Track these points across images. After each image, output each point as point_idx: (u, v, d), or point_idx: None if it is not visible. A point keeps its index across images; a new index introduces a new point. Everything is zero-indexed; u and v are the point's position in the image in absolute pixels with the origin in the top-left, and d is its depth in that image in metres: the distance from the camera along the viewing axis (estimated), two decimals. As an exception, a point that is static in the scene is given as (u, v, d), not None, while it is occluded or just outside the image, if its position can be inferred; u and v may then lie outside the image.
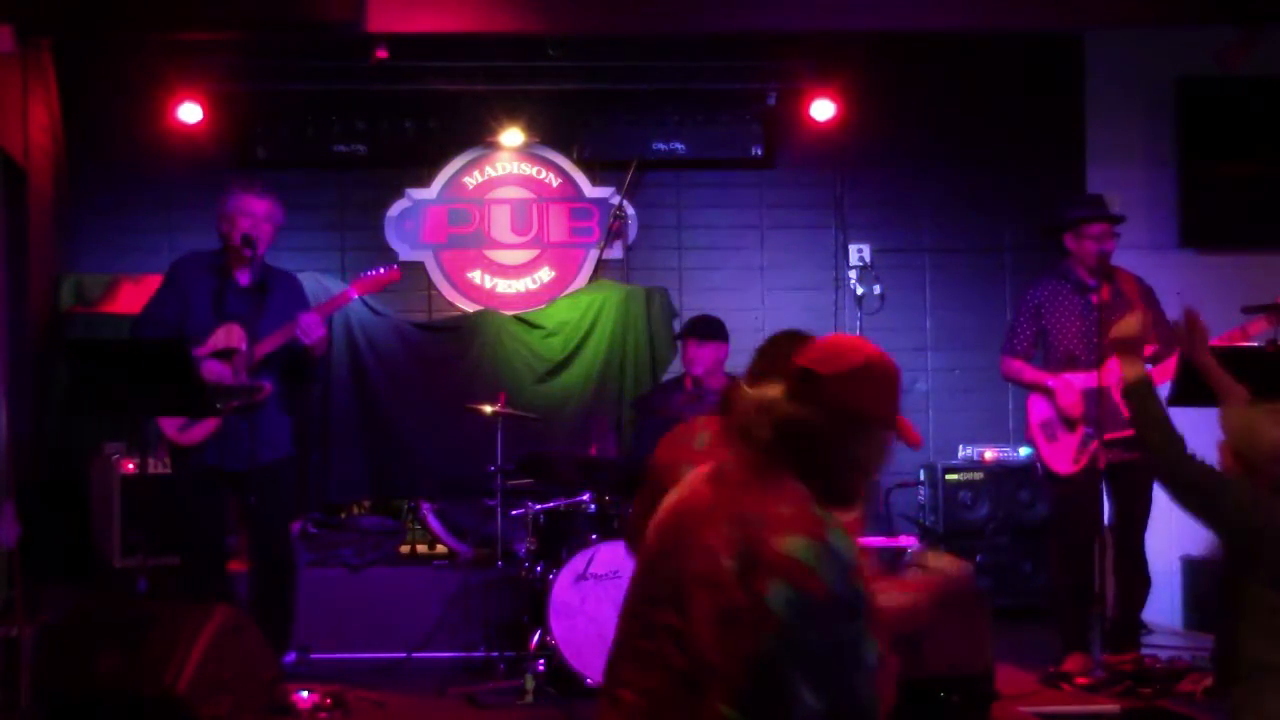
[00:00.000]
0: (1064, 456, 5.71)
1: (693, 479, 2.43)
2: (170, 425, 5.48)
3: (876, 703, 2.23)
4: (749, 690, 2.18)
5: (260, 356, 5.41)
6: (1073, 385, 5.69)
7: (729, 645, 2.18)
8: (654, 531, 2.41)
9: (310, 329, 5.44)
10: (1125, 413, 5.59)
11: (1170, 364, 5.43)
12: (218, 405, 5.34)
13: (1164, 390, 5.45)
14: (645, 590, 2.36)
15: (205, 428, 5.43)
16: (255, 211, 5.54)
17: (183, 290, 5.56)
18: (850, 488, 2.35)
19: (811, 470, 2.31)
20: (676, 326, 7.31)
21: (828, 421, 2.31)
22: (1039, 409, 5.81)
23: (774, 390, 2.37)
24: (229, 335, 5.44)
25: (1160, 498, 5.73)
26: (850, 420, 2.32)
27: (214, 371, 5.38)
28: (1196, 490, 3.68)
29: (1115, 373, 5.65)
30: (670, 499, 2.44)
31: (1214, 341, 5.42)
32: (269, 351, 5.45)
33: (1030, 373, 5.86)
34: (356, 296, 5.74)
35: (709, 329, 6.51)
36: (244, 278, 5.56)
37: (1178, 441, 3.78)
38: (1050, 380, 5.75)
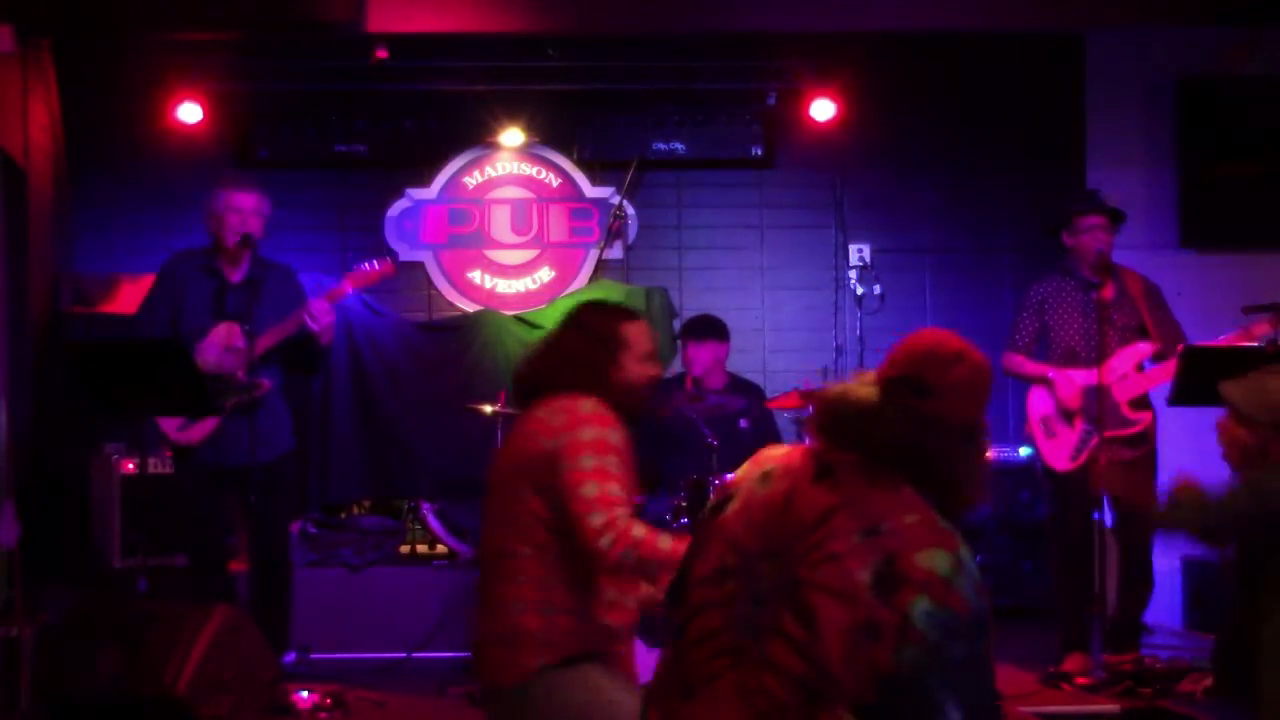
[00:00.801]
0: (1062, 453, 5.70)
1: (787, 474, 2.35)
2: (169, 424, 5.48)
3: (1002, 711, 2.25)
4: (878, 706, 2.15)
5: (261, 352, 5.41)
6: (1073, 380, 5.69)
7: (859, 660, 2.15)
8: (744, 527, 2.34)
9: (320, 314, 5.44)
10: (1125, 411, 5.64)
11: (1171, 364, 5.42)
12: (219, 402, 5.34)
13: (1164, 389, 5.48)
14: (746, 588, 2.29)
15: (204, 427, 5.43)
16: (243, 207, 5.53)
17: (176, 291, 5.56)
18: (970, 501, 2.35)
19: (929, 483, 2.29)
20: (676, 326, 7.31)
21: (944, 437, 2.30)
22: (1039, 404, 5.81)
23: (867, 389, 2.34)
24: (230, 334, 5.44)
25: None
26: (965, 434, 2.33)
27: (227, 364, 5.38)
28: (1227, 521, 3.65)
29: (1116, 371, 5.67)
30: (758, 492, 2.36)
31: (1217, 343, 5.44)
32: (268, 347, 5.45)
33: (1031, 366, 5.86)
34: (351, 291, 5.72)
35: (706, 329, 6.51)
36: (237, 274, 5.56)
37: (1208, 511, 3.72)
38: (1051, 373, 5.75)
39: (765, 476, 2.38)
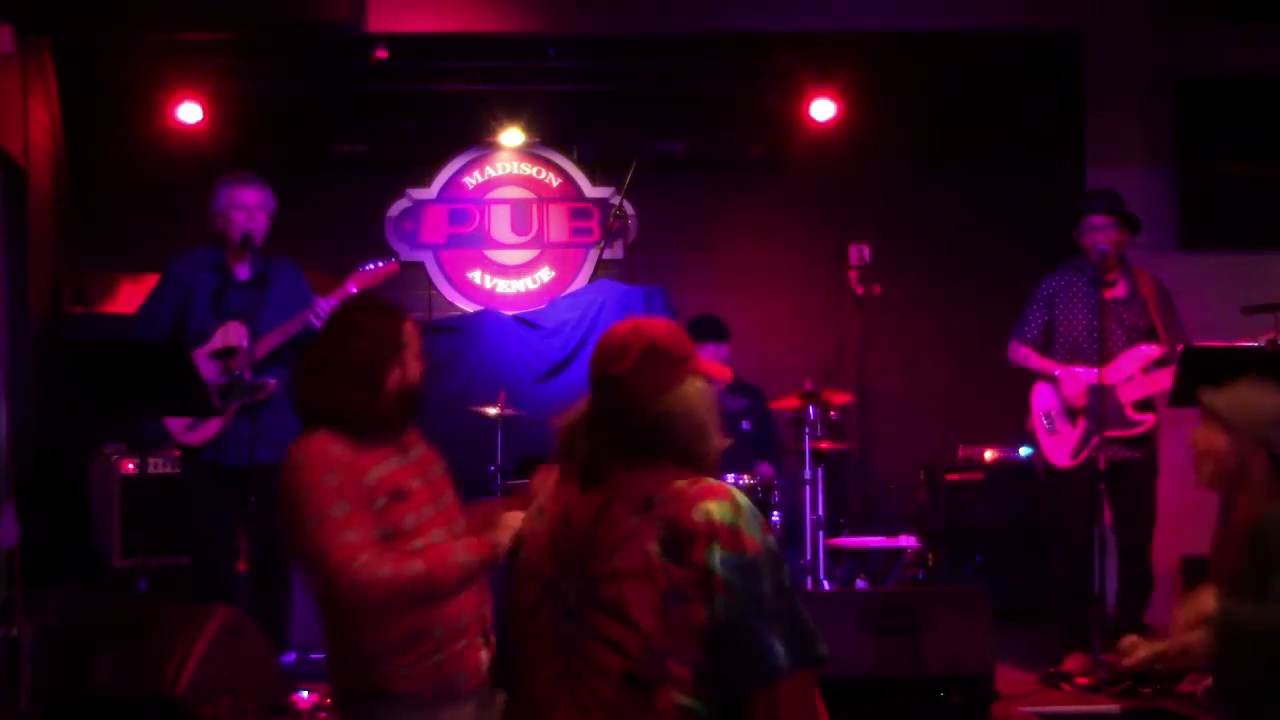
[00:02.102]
0: (1063, 449, 5.70)
1: (557, 498, 2.49)
2: (177, 425, 5.46)
3: (819, 636, 2.32)
4: (708, 663, 2.23)
5: (264, 353, 5.40)
6: (1078, 378, 5.68)
7: (677, 626, 2.24)
8: (539, 557, 2.45)
9: (325, 314, 5.40)
10: (1129, 412, 5.64)
11: (1174, 368, 5.42)
12: (220, 405, 5.33)
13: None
14: (557, 609, 2.38)
15: (212, 427, 5.41)
16: (249, 203, 5.49)
17: (181, 288, 5.53)
18: (710, 451, 2.45)
19: (673, 453, 2.40)
20: (676, 327, 7.30)
21: (650, 412, 2.41)
22: (1042, 400, 5.80)
23: (583, 405, 2.53)
24: (226, 334, 5.42)
25: (1163, 498, 5.76)
26: (664, 395, 2.42)
27: (208, 372, 5.36)
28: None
29: (1122, 371, 5.67)
30: (540, 525, 2.49)
31: (1218, 343, 5.44)
32: (273, 348, 5.43)
33: (1036, 360, 5.85)
34: (355, 291, 5.67)
35: (707, 330, 6.50)
36: (243, 272, 5.52)
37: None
38: (1058, 370, 5.75)
39: (540, 511, 2.52)
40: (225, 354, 5.38)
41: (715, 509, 2.29)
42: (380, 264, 5.71)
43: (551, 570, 2.41)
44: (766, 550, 2.28)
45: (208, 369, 5.38)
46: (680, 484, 2.34)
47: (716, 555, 2.24)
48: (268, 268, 5.54)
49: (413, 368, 3.22)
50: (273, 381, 5.45)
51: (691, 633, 2.23)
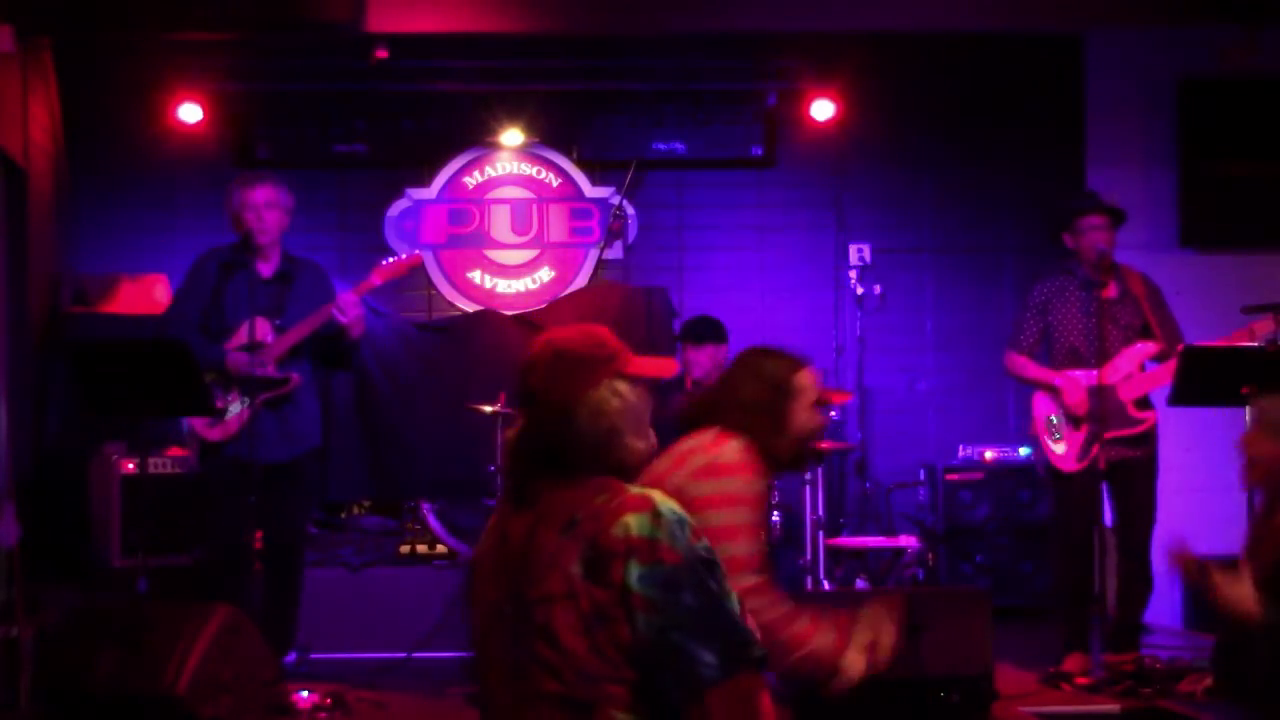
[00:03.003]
0: (1068, 454, 5.69)
1: (498, 520, 2.46)
2: (199, 420, 5.45)
3: (755, 638, 2.27)
4: (642, 680, 2.20)
5: (288, 347, 5.39)
6: (1078, 383, 5.67)
7: (604, 646, 2.20)
8: (484, 583, 2.41)
9: (347, 306, 5.41)
10: (1130, 411, 5.63)
11: (1172, 364, 5.42)
12: (245, 399, 5.33)
13: (1165, 390, 5.48)
14: (505, 634, 2.34)
15: (235, 422, 5.40)
16: (256, 202, 5.50)
17: (205, 287, 5.53)
18: (628, 456, 2.39)
19: (597, 464, 2.35)
20: (676, 327, 7.30)
21: (567, 423, 2.35)
22: (1044, 406, 5.80)
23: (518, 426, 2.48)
24: (260, 329, 5.40)
25: (1162, 496, 5.76)
26: (571, 405, 2.36)
27: (257, 359, 5.35)
28: None
29: (1120, 370, 5.67)
30: (485, 548, 2.46)
31: (1219, 342, 5.44)
32: (297, 341, 5.43)
33: (1034, 370, 5.84)
34: (380, 283, 5.67)
35: (703, 331, 6.49)
36: (266, 269, 5.51)
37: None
38: (1057, 379, 5.74)
39: (488, 533, 2.48)
40: (251, 348, 5.37)
41: (633, 523, 2.22)
42: (404, 255, 5.73)
43: (494, 593, 2.36)
44: (688, 559, 2.22)
45: (239, 359, 5.36)
46: (601, 499, 2.28)
47: (634, 571, 2.20)
48: (292, 266, 5.56)
49: (803, 417, 3.31)
50: (297, 376, 5.46)
51: (620, 652, 2.20)
